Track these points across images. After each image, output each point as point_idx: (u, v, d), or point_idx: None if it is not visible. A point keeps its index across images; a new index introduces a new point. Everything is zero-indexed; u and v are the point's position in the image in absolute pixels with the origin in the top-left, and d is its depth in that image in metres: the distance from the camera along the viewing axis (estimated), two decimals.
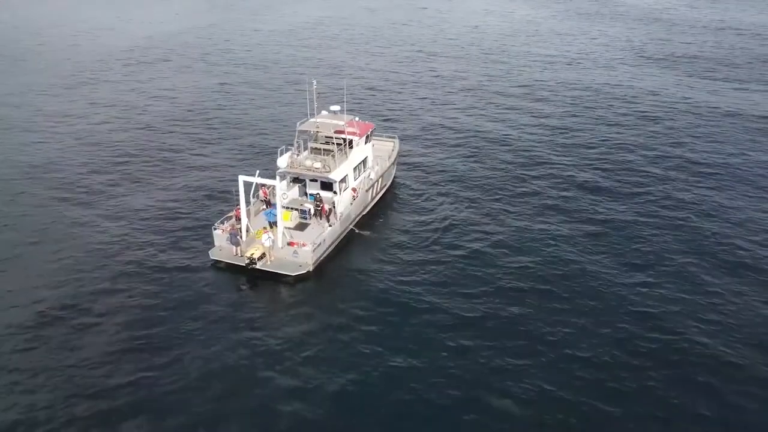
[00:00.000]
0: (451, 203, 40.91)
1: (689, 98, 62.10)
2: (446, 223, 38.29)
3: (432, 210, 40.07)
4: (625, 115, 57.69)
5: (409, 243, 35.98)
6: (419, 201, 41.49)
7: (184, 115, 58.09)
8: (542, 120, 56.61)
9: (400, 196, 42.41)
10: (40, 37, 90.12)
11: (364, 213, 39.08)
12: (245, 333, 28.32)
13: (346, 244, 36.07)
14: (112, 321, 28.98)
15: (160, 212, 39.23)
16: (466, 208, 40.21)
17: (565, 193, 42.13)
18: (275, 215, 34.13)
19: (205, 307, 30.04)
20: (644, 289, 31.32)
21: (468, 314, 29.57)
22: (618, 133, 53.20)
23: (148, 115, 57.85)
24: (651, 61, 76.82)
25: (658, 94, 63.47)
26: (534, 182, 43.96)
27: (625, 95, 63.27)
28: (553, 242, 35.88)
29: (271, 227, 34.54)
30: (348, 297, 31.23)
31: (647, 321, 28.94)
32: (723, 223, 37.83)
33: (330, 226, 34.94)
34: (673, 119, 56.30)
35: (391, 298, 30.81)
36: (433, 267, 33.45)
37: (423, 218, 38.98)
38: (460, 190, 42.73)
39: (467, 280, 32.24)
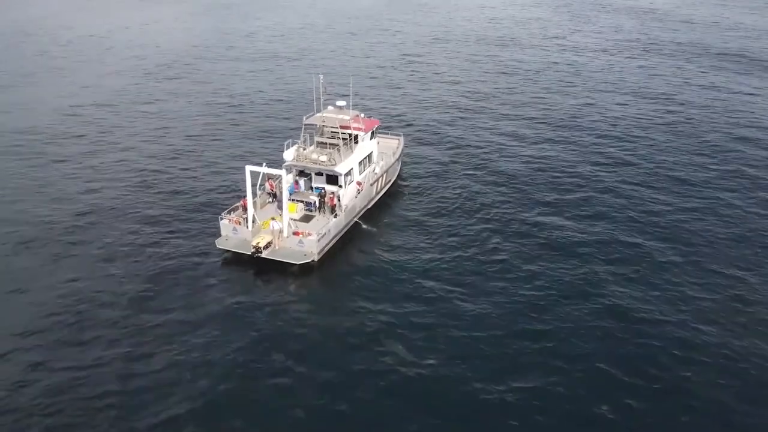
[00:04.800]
0: (456, 201, 41.27)
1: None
2: (450, 220, 38.69)
3: (435, 206, 40.48)
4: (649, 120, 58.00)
5: (411, 237, 36.41)
6: (423, 197, 41.88)
7: (190, 109, 58.76)
8: (549, 121, 57.03)
9: (405, 192, 42.85)
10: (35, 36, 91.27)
11: (368, 207, 39.55)
12: (249, 320, 28.79)
13: (350, 236, 36.50)
14: (118, 309, 29.49)
15: (167, 203, 39.81)
16: (470, 206, 40.54)
17: (569, 196, 42.43)
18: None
19: (210, 295, 30.55)
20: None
21: (469, 308, 29.97)
22: (640, 137, 53.02)
23: (153, 109, 58.51)
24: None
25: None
26: (535, 180, 44.38)
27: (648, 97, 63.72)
28: (559, 245, 36.23)
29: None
30: (351, 287, 31.70)
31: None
32: None
33: (335, 217, 35.38)
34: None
35: (393, 290, 31.18)
36: (436, 261, 33.82)
37: (426, 214, 39.40)
38: (465, 188, 43.11)
39: (468, 277, 32.52)
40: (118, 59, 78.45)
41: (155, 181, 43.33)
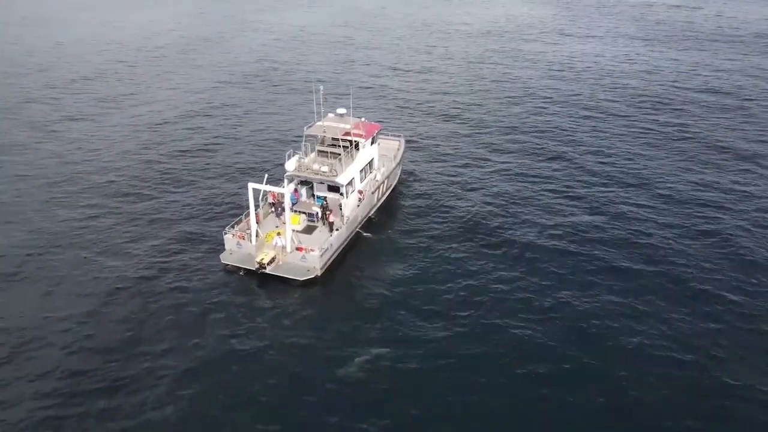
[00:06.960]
0: (457, 204, 41.65)
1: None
2: (451, 224, 39.12)
3: (436, 211, 40.85)
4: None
5: (413, 245, 36.85)
6: (423, 202, 42.22)
7: (191, 122, 58.26)
8: (552, 123, 56.89)
9: (405, 198, 43.12)
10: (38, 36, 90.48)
11: (370, 215, 39.94)
12: (253, 338, 29.46)
13: (352, 247, 36.98)
14: (118, 322, 30.23)
15: (170, 217, 40.26)
16: (471, 208, 40.97)
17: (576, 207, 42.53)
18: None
19: (215, 311, 31.21)
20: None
21: (474, 318, 30.59)
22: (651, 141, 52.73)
23: (153, 123, 58.12)
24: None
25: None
26: (539, 195, 43.66)
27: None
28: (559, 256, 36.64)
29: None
30: (354, 301, 32.32)
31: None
32: None
33: (337, 229, 35.78)
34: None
35: (397, 302, 31.79)
36: (439, 269, 34.42)
37: (427, 220, 39.80)
38: (466, 191, 43.46)
39: (473, 283, 33.12)
40: (104, 62, 77.49)
41: (155, 192, 43.71)
